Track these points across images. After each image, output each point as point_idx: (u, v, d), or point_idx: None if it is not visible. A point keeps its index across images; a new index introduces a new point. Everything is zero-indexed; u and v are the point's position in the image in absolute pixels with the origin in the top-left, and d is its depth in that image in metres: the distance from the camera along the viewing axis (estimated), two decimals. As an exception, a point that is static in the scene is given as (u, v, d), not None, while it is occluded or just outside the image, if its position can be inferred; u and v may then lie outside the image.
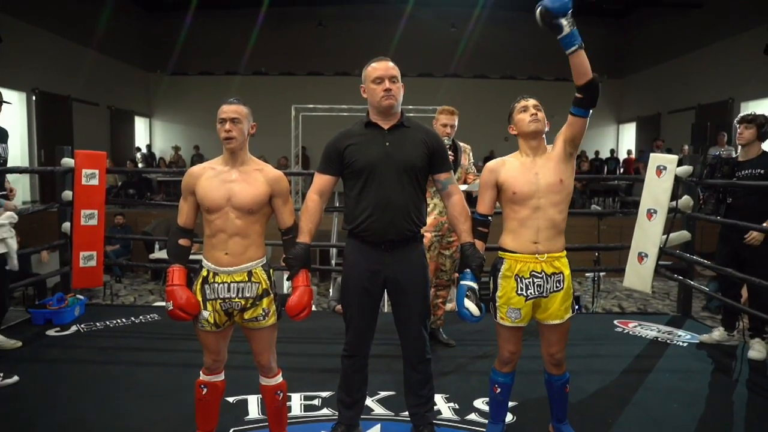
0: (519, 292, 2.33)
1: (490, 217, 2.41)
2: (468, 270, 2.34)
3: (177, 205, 2.39)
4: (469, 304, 2.29)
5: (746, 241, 3.73)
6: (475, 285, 2.32)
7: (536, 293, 2.33)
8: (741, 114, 3.89)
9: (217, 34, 16.91)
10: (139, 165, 14.71)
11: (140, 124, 17.54)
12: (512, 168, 2.35)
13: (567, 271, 2.37)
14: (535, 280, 2.32)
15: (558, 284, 2.34)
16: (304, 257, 2.33)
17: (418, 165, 2.38)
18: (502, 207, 2.43)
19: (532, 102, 2.38)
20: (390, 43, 13.96)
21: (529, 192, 2.30)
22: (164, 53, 16.50)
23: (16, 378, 3.21)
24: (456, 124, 3.73)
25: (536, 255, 2.31)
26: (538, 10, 2.11)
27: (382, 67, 2.36)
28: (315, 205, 2.41)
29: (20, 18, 11.33)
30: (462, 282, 2.34)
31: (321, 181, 2.44)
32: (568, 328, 2.42)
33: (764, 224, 3.60)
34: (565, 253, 2.38)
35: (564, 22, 2.11)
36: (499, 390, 2.49)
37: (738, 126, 3.85)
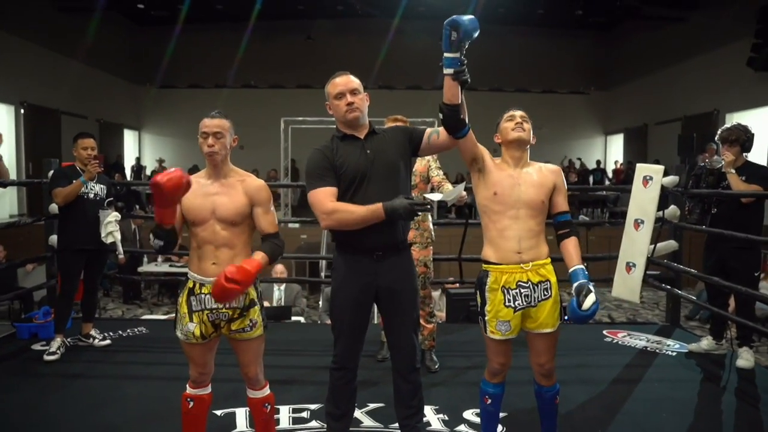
0: (507, 304, 2.31)
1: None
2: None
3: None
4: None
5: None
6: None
7: (524, 303, 2.31)
8: (720, 133, 3.88)
9: (206, 47, 16.90)
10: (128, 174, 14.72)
11: (129, 137, 17.47)
12: (497, 168, 2.37)
13: (553, 278, 2.36)
14: (522, 290, 2.30)
15: (546, 292, 2.33)
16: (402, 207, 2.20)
17: (400, 163, 2.37)
18: (480, 216, 2.42)
19: (519, 113, 2.42)
20: (378, 56, 14.00)
21: (509, 198, 2.30)
22: (153, 66, 16.45)
23: None
24: None
25: (521, 264, 2.30)
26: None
27: (342, 82, 2.35)
28: (340, 202, 2.29)
29: (8, 31, 11.29)
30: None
31: (327, 191, 2.29)
32: (557, 338, 2.39)
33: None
34: (549, 260, 2.37)
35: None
36: (489, 401, 2.46)
37: (722, 146, 3.87)
